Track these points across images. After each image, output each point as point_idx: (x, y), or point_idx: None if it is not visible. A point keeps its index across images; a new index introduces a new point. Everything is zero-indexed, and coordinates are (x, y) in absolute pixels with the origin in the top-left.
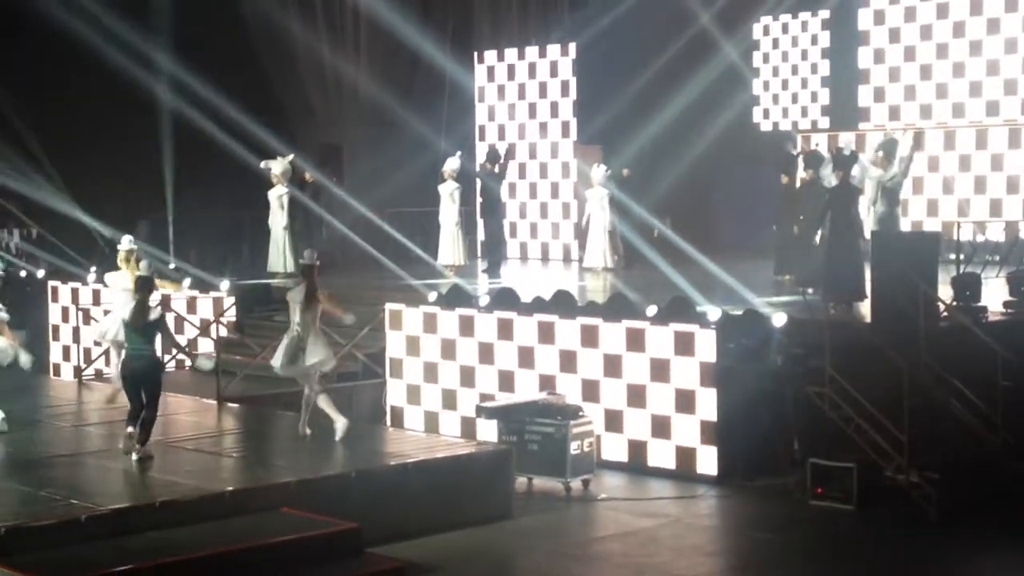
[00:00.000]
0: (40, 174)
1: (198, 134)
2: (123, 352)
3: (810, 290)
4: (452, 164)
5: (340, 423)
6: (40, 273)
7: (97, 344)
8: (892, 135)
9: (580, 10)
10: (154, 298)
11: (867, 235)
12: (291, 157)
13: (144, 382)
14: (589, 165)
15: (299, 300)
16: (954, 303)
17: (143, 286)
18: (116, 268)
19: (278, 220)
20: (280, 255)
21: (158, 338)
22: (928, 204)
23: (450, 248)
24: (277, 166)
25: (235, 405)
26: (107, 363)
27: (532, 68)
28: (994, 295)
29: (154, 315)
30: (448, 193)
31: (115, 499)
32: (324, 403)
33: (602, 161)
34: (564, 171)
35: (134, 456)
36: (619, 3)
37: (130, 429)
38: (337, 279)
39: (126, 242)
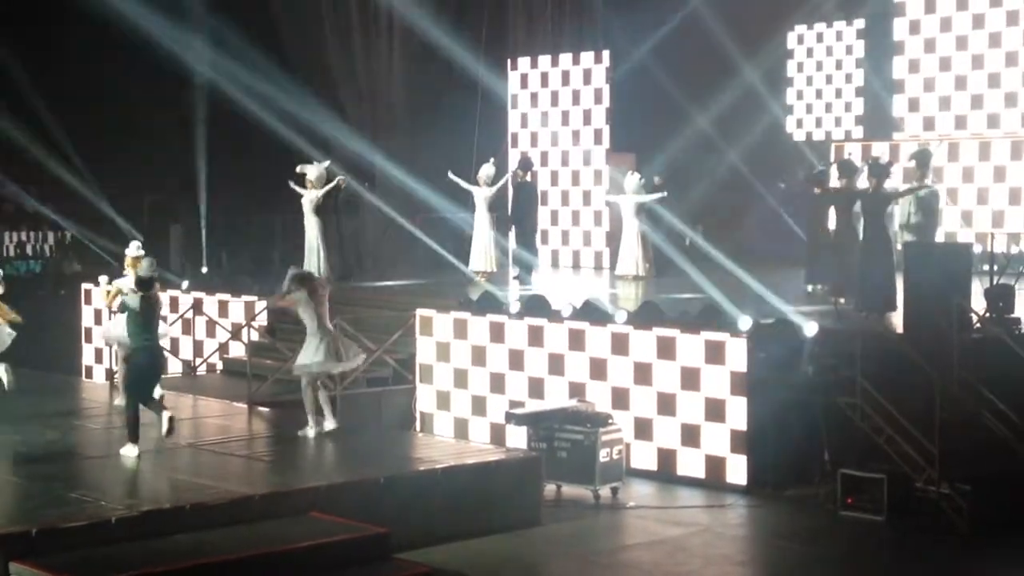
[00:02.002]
0: (76, 177)
1: (232, 139)
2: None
3: (842, 300)
4: (486, 171)
5: (316, 430)
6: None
7: (108, 345)
8: (926, 146)
9: (615, 17)
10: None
11: (900, 246)
12: (327, 163)
13: (157, 372)
14: (622, 173)
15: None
16: (987, 314)
17: (147, 286)
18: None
19: (312, 225)
20: (315, 260)
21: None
22: (962, 215)
23: (482, 255)
24: (312, 171)
25: (265, 409)
26: (115, 363)
27: (565, 75)
28: None
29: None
30: (481, 200)
31: (145, 501)
32: (323, 400)
33: (635, 169)
34: (596, 178)
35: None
36: (653, 11)
37: (167, 416)
38: (368, 284)
39: (134, 248)
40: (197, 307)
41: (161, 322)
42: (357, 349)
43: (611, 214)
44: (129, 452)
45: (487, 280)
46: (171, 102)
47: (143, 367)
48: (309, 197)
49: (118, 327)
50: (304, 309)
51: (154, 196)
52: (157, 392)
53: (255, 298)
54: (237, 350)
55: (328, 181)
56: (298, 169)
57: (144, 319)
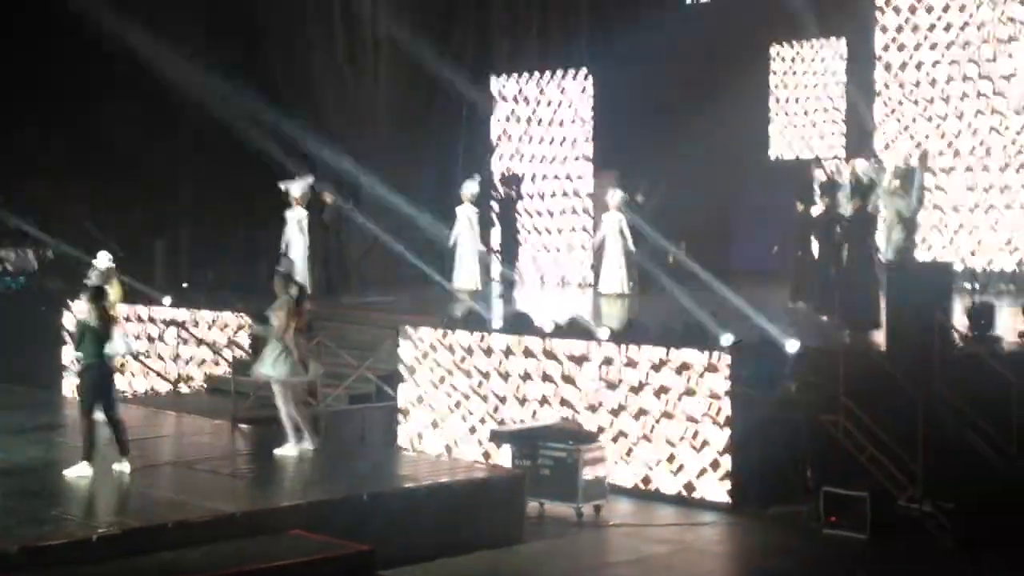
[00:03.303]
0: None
1: (216, 155)
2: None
3: (825, 318)
4: (470, 188)
5: (308, 445)
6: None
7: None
8: (908, 161)
9: (598, 35)
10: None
11: (883, 263)
12: (310, 179)
13: (103, 391)
14: (605, 190)
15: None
16: (969, 333)
17: (97, 294)
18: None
19: (298, 242)
20: (301, 276)
21: (111, 345)
22: (943, 233)
23: (466, 272)
24: (296, 188)
25: (248, 426)
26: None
27: (550, 93)
28: (1009, 325)
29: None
30: (465, 217)
31: (127, 519)
32: (303, 418)
33: (618, 186)
34: (580, 196)
35: (124, 468)
36: (637, 28)
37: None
38: (352, 300)
39: (103, 259)
40: (180, 324)
41: (129, 338)
42: (317, 363)
43: (595, 231)
44: (79, 471)
45: (471, 297)
46: (157, 121)
47: (96, 384)
48: (294, 214)
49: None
50: (282, 314)
51: (138, 212)
52: (100, 415)
53: (239, 314)
54: (220, 367)
55: (312, 198)
56: (281, 186)
57: (102, 333)
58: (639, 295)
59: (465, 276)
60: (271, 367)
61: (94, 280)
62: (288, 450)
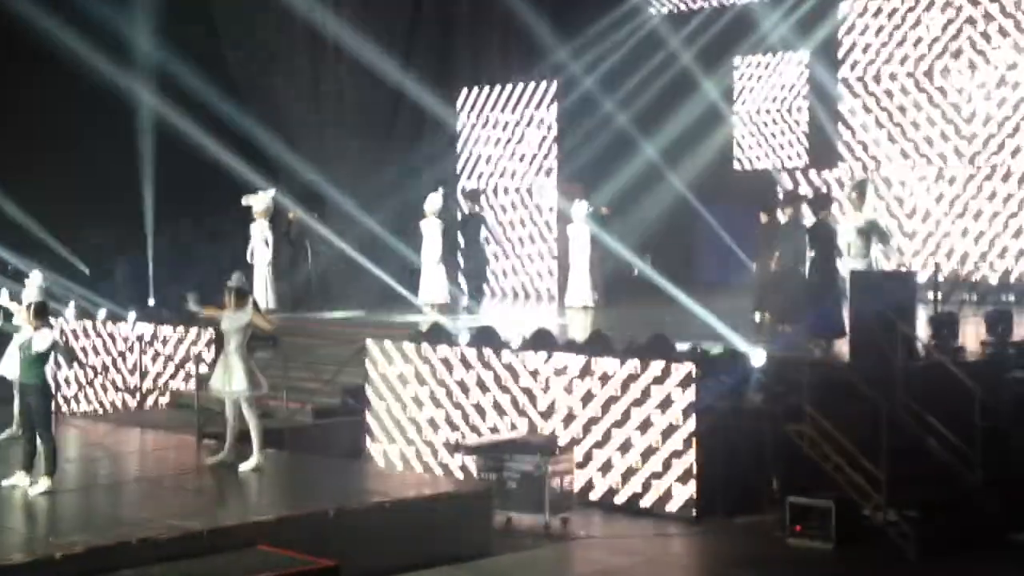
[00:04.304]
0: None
1: (178, 170)
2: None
3: (788, 328)
4: (434, 201)
5: (257, 459)
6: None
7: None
8: (864, 177)
9: (562, 47)
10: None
11: (845, 274)
12: (272, 192)
13: (36, 411)
14: (570, 202)
15: (239, 325)
16: (932, 342)
17: (39, 311)
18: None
19: (262, 255)
20: (263, 290)
21: (49, 365)
22: (907, 243)
23: (432, 285)
24: (259, 202)
25: (212, 441)
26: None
27: (514, 105)
28: (971, 334)
29: (47, 343)
30: (430, 230)
31: (91, 537)
32: (256, 431)
33: (583, 198)
34: (545, 208)
35: (40, 489)
36: (601, 40)
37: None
38: (317, 314)
39: (36, 277)
40: (143, 340)
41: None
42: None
43: (560, 244)
44: (16, 481)
45: (437, 311)
46: (116, 134)
47: (48, 403)
48: (258, 228)
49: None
50: (244, 328)
51: (100, 229)
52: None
53: (204, 329)
54: (184, 382)
55: (276, 211)
56: (243, 201)
57: (46, 353)
58: (604, 308)
59: (431, 290)
60: (247, 382)
61: (35, 296)
62: (253, 464)
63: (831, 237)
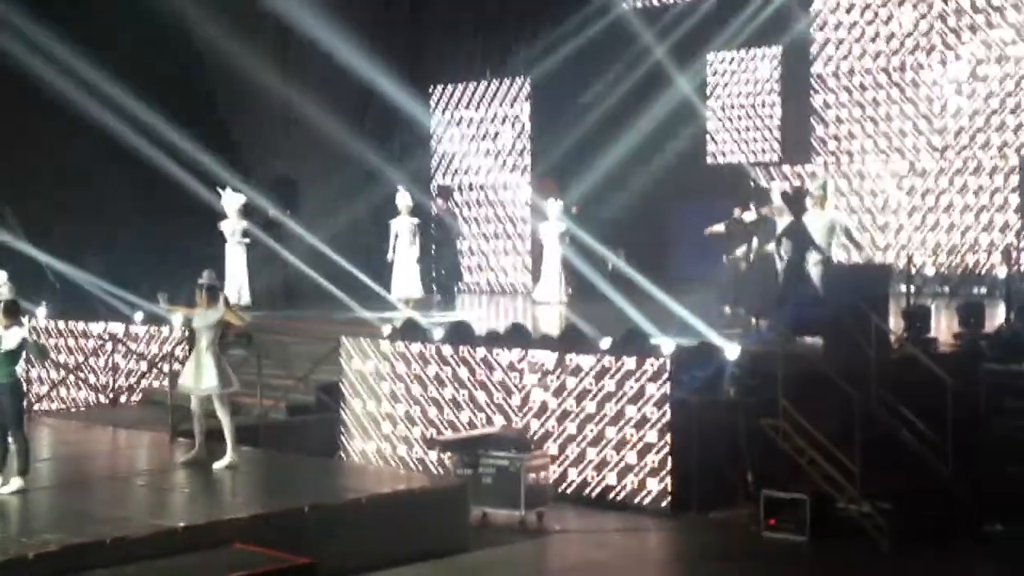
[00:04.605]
0: None
1: (147, 166)
2: None
3: (762, 321)
4: (405, 199)
5: (231, 457)
6: None
7: None
8: (824, 175)
9: (535, 43)
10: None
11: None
12: (243, 199)
13: (8, 410)
14: (544, 199)
15: (210, 323)
16: (905, 335)
17: (9, 309)
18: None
19: (237, 253)
20: (235, 288)
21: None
22: (880, 236)
23: (405, 281)
24: (231, 202)
25: (186, 439)
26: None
27: (487, 101)
28: (944, 326)
29: (17, 340)
30: (403, 226)
31: (65, 536)
32: (229, 429)
33: (556, 195)
34: (518, 205)
35: (13, 488)
36: (574, 37)
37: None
38: (291, 312)
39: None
40: (116, 337)
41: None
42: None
43: (533, 240)
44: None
45: (410, 307)
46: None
47: (20, 402)
48: (229, 226)
49: None
50: (215, 325)
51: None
52: None
53: (178, 329)
54: (158, 379)
55: (247, 212)
56: (219, 190)
57: (17, 351)
58: (578, 303)
59: (404, 286)
60: (226, 378)
61: (5, 295)
62: (227, 462)
63: (804, 232)
